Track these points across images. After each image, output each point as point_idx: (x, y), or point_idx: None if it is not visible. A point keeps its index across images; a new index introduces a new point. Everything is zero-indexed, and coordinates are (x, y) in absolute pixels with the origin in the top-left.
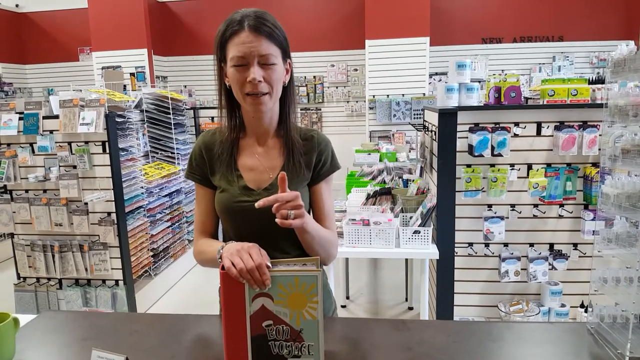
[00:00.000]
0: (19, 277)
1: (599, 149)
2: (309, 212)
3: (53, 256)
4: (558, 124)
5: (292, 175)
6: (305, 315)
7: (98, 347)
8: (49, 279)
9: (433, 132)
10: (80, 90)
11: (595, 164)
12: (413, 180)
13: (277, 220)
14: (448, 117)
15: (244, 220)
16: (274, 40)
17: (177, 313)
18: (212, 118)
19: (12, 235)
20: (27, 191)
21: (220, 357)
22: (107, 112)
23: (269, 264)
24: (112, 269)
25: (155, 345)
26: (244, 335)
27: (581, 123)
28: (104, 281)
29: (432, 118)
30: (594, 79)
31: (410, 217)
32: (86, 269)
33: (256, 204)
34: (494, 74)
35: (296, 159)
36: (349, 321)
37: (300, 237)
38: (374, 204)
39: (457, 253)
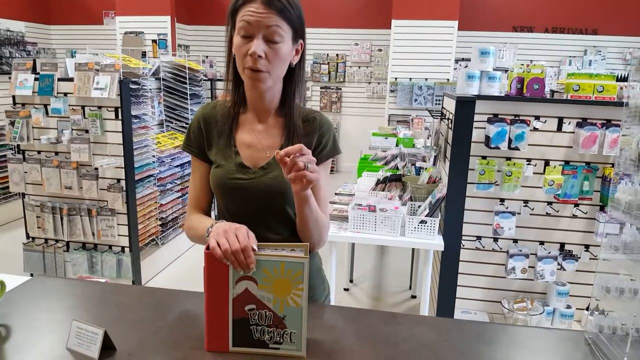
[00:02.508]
0: (28, 236)
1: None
2: None
3: (62, 218)
4: (580, 120)
5: None
6: (290, 302)
7: (82, 318)
8: (56, 241)
9: (449, 120)
10: (97, 54)
11: None
12: (426, 169)
13: (291, 174)
14: (466, 105)
15: (238, 197)
16: (285, 17)
17: (180, 282)
18: None
19: (22, 195)
20: (39, 152)
21: (203, 337)
22: (122, 78)
23: (255, 247)
24: (119, 235)
25: (140, 319)
26: (226, 318)
27: (604, 121)
28: (110, 247)
29: (450, 105)
30: (624, 75)
31: (419, 206)
32: (93, 234)
33: (277, 154)
34: (521, 64)
35: (295, 141)
36: (338, 309)
37: (299, 210)
38: (383, 190)
39: (464, 246)
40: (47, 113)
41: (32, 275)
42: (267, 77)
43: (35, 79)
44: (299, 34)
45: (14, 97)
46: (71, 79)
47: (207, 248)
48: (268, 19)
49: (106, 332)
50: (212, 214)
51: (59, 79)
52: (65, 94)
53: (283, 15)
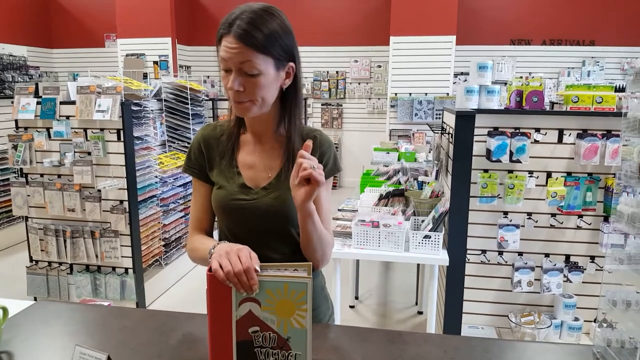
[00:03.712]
0: (31, 259)
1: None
2: None
3: (65, 241)
4: (581, 132)
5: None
6: (294, 323)
7: (85, 342)
8: (60, 264)
9: (450, 135)
10: (98, 77)
11: None
12: (428, 183)
13: (302, 173)
14: (466, 119)
15: (240, 218)
16: (262, 50)
17: (184, 302)
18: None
19: (25, 218)
20: (42, 175)
21: None
22: (123, 100)
23: (258, 268)
24: (122, 256)
25: (143, 343)
26: (229, 340)
27: (605, 132)
28: (114, 268)
29: (450, 120)
30: (622, 86)
31: (422, 221)
32: (97, 256)
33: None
34: (520, 77)
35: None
36: (343, 329)
37: (303, 226)
38: (386, 205)
39: (468, 260)
40: (49, 136)
41: (35, 299)
42: (251, 105)
43: (38, 103)
44: (285, 59)
45: (16, 121)
46: (73, 102)
47: (210, 270)
48: (240, 55)
49: (109, 356)
50: (215, 233)
51: (61, 102)
52: (68, 117)
53: (258, 48)
